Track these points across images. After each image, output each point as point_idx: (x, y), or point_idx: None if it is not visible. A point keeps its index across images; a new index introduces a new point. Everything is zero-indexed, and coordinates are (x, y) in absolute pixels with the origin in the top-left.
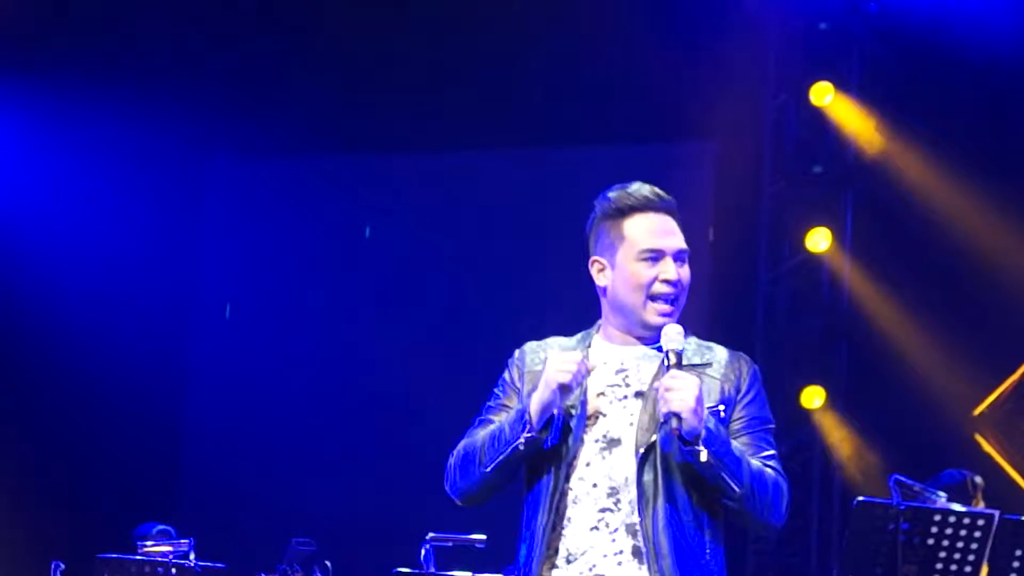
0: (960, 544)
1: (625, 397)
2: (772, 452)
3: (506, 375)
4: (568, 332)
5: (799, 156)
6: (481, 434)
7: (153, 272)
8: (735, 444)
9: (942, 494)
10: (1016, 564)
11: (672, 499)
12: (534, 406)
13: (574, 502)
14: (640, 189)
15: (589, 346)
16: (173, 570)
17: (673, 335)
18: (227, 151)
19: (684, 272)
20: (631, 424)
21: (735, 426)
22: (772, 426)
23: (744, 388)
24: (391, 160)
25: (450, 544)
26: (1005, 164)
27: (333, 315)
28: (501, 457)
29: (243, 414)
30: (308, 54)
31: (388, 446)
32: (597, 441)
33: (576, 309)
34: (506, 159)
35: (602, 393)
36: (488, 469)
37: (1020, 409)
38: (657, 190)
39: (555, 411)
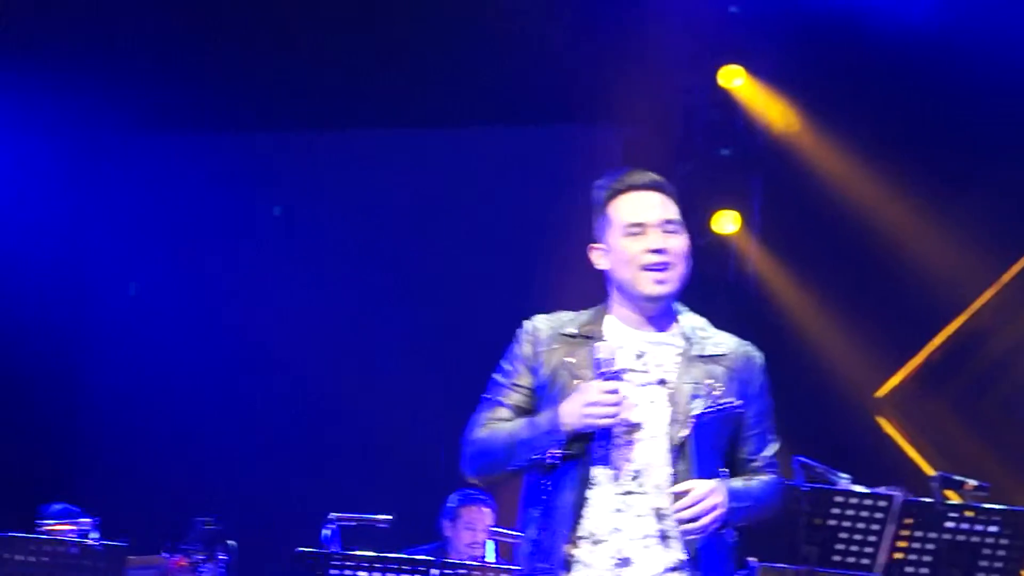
0: (862, 525)
1: (646, 384)
2: (775, 448)
3: (518, 349)
4: (477, 311)
5: (708, 139)
6: (502, 431)
7: (55, 251)
8: (739, 482)
9: (845, 475)
10: (916, 545)
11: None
12: (567, 427)
13: (597, 484)
14: (630, 174)
15: (602, 327)
16: (74, 549)
17: (607, 353)
18: (135, 126)
19: (674, 241)
20: (654, 409)
21: (748, 419)
22: (773, 414)
23: (756, 382)
24: (301, 138)
25: (354, 524)
26: (912, 147)
27: (240, 294)
28: (527, 463)
29: (148, 393)
30: (217, 29)
31: (293, 426)
32: (619, 425)
33: (482, 286)
34: (417, 139)
35: (622, 379)
36: (511, 468)
37: (922, 391)
38: (647, 172)
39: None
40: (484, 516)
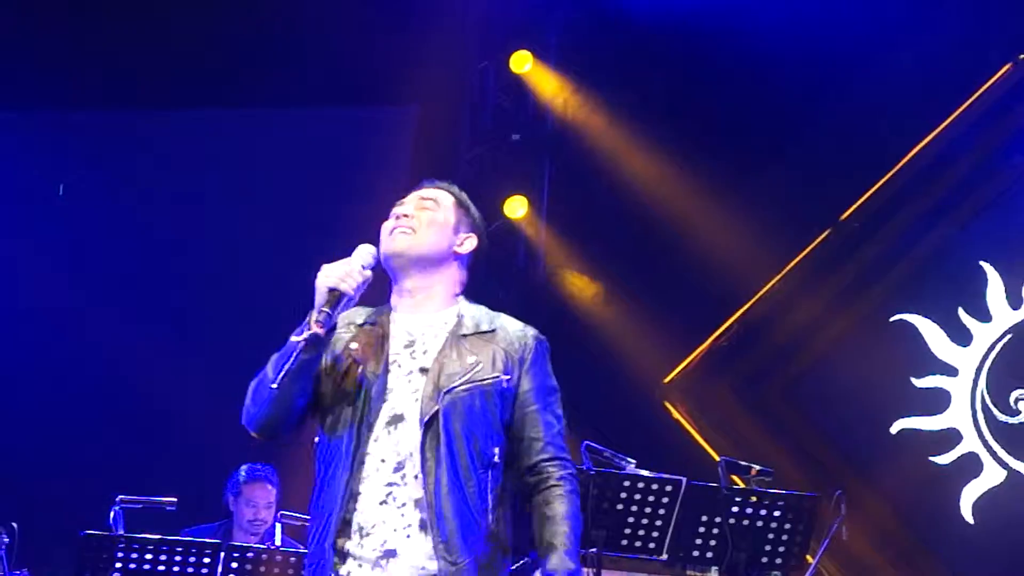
0: (648, 509)
1: (411, 372)
2: (558, 427)
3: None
4: (265, 291)
5: (498, 123)
6: (270, 360)
7: None
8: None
9: (632, 460)
10: (702, 529)
11: (454, 467)
12: (315, 306)
13: (364, 478)
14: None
15: (388, 318)
16: None
17: (364, 254)
18: None
19: (423, 212)
20: (416, 400)
21: (523, 397)
22: (558, 393)
23: (529, 358)
24: (83, 117)
25: (140, 506)
26: (699, 134)
27: (27, 272)
28: (285, 366)
29: None
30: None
31: (77, 407)
32: (385, 417)
33: (274, 270)
34: (206, 119)
35: (391, 369)
36: (276, 385)
37: (708, 377)
38: (435, 181)
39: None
40: (267, 492)
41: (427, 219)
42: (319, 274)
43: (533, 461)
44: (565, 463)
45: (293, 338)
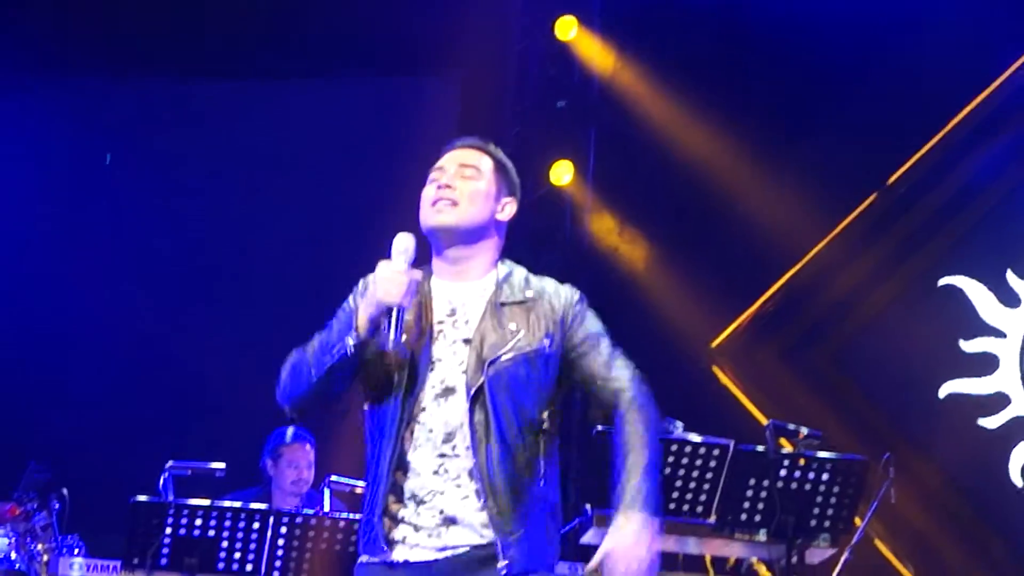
0: (696, 473)
1: (455, 342)
2: (622, 360)
3: (347, 302)
4: (313, 261)
5: (543, 90)
6: (308, 347)
7: None
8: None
9: (679, 424)
10: (750, 492)
11: (503, 438)
12: (361, 316)
13: (415, 446)
14: (459, 140)
15: (428, 285)
16: None
17: (400, 248)
18: None
19: (465, 183)
20: (463, 372)
21: (580, 349)
22: (607, 336)
23: (570, 316)
24: (132, 86)
25: (189, 472)
26: (744, 99)
27: (73, 242)
28: (328, 362)
29: None
30: None
31: (128, 373)
32: (434, 387)
33: (317, 239)
34: (249, 89)
35: (436, 338)
36: (315, 376)
37: (756, 341)
38: (472, 139)
39: (386, 318)
40: (306, 452)
41: (469, 191)
42: (378, 282)
43: (611, 407)
44: (638, 398)
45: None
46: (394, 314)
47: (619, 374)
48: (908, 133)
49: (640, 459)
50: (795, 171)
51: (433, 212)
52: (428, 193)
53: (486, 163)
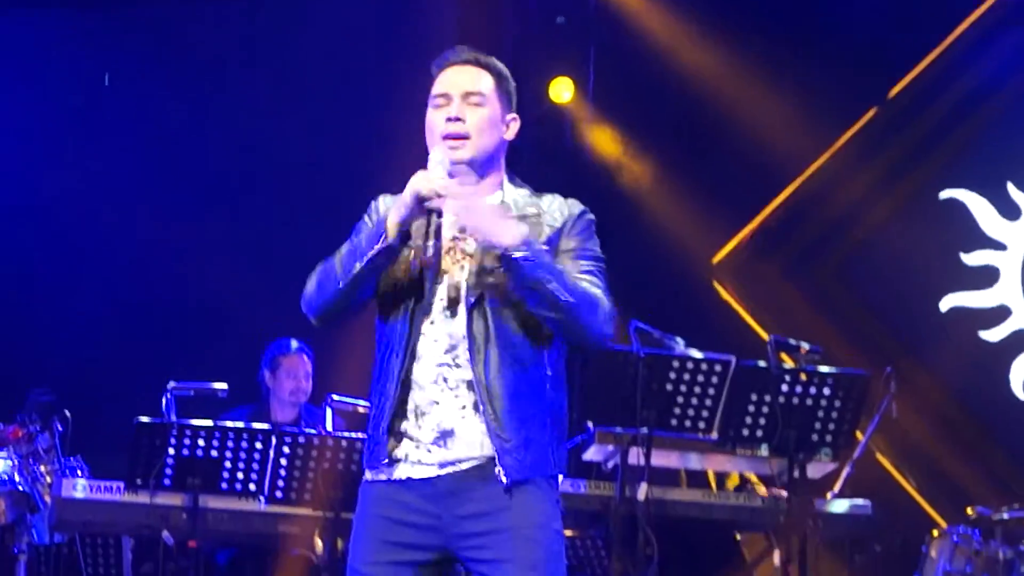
0: (698, 389)
1: (465, 257)
2: (598, 281)
3: (362, 222)
4: (314, 178)
5: (542, 7)
6: (339, 252)
7: None
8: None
9: (681, 340)
10: (751, 408)
11: (505, 346)
12: (392, 218)
13: (419, 358)
14: (455, 50)
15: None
16: None
17: (435, 161)
18: None
19: (474, 113)
20: (469, 284)
21: (562, 256)
22: (602, 263)
23: (570, 224)
24: (128, 3)
25: (191, 393)
26: (746, 11)
27: (73, 163)
28: (357, 268)
29: None
30: None
31: (130, 294)
32: (442, 299)
33: (316, 156)
34: (249, 6)
35: (448, 251)
36: (342, 284)
37: (757, 256)
38: (469, 49)
39: (423, 225)
40: (304, 363)
41: (479, 121)
42: (412, 179)
43: None
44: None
45: (367, 240)
46: (432, 220)
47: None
48: (908, 47)
49: (578, 281)
50: (796, 85)
51: (446, 149)
52: (435, 122)
53: (487, 83)
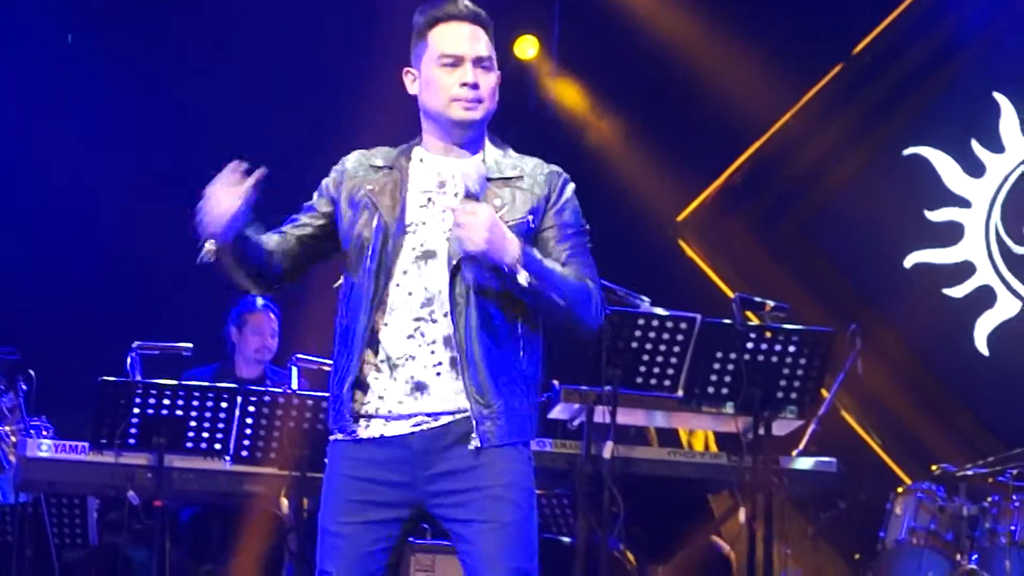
0: (663, 347)
1: (445, 210)
2: (587, 261)
3: (325, 181)
4: (279, 139)
5: None
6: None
7: None
8: (547, 261)
9: (646, 299)
10: (716, 366)
11: (484, 308)
12: (208, 245)
13: (391, 309)
14: (451, 1)
15: (410, 158)
16: None
17: (473, 174)
18: None
19: (486, 79)
20: (446, 239)
21: (547, 234)
22: (588, 237)
23: (555, 197)
24: None
25: (157, 352)
26: None
27: (35, 123)
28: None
29: None
30: None
31: (94, 253)
32: (414, 250)
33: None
34: None
35: (423, 205)
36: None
37: (721, 214)
38: (467, 2)
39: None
40: (271, 320)
41: (490, 86)
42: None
43: None
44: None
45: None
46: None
47: (576, 272)
48: (873, 3)
49: (569, 276)
50: (761, 42)
51: (460, 110)
52: (446, 83)
53: (490, 44)
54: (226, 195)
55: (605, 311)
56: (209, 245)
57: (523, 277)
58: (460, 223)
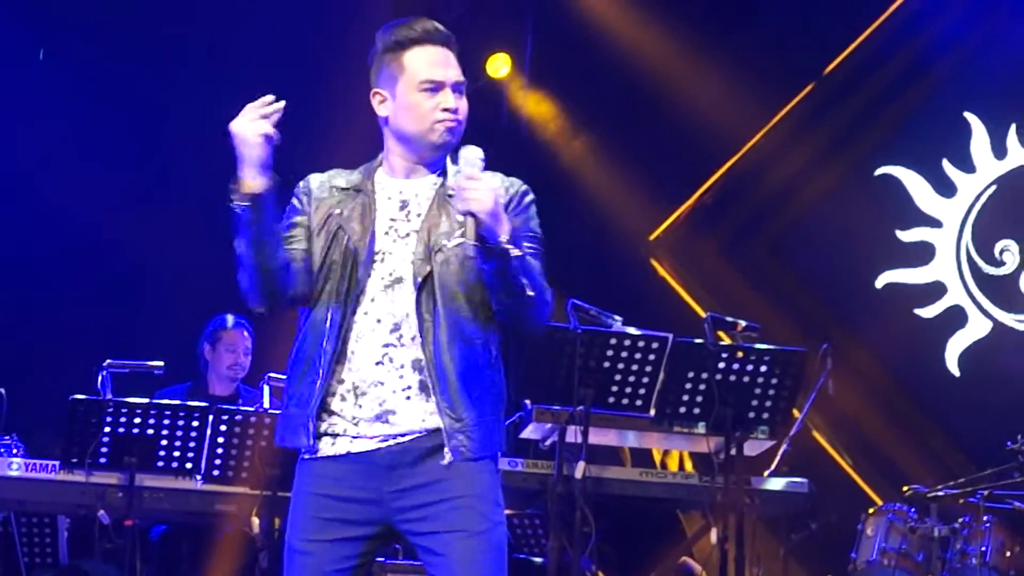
0: (635, 367)
1: (407, 235)
2: (538, 264)
3: (294, 201)
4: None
5: None
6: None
7: None
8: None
9: (618, 318)
10: (688, 385)
11: (454, 324)
12: (245, 171)
13: (358, 337)
14: (421, 23)
15: (374, 181)
16: None
17: (472, 159)
18: None
19: (463, 104)
20: (412, 262)
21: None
22: (542, 245)
23: (514, 204)
24: None
25: (127, 371)
26: None
27: (5, 140)
28: (249, 240)
29: None
30: None
31: (64, 271)
32: (383, 279)
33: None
34: None
35: (387, 232)
36: (240, 250)
37: (693, 233)
38: (437, 24)
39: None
40: (244, 338)
41: (464, 110)
42: (240, 128)
43: None
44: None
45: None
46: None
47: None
48: (844, 23)
49: (538, 271)
50: (733, 61)
51: (443, 134)
52: (428, 108)
53: (459, 67)
54: (252, 127)
55: (550, 313)
56: (250, 180)
57: (515, 251)
58: (465, 187)
